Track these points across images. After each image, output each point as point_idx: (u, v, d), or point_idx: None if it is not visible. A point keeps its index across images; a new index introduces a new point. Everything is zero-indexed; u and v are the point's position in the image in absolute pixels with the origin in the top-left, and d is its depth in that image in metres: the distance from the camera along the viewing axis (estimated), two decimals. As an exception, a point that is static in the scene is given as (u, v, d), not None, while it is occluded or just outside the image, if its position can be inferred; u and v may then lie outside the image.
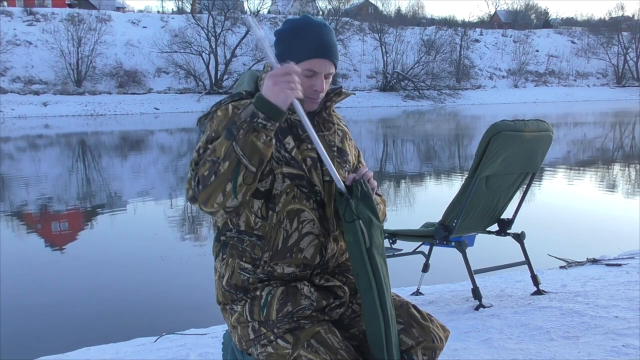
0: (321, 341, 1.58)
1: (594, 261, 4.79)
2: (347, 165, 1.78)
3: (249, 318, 1.65)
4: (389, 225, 3.27)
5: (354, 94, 1.80)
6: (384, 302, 1.60)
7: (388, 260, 1.75)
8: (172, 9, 56.71)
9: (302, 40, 1.64)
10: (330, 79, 1.71)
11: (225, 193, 1.48)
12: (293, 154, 1.65)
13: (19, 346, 3.98)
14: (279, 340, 1.60)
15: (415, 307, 1.76)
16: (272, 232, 1.65)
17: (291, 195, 1.64)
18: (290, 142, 1.65)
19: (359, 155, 1.88)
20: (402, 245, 4.02)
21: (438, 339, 1.71)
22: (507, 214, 3.84)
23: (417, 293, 4.13)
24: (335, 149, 1.75)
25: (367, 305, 1.59)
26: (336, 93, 1.78)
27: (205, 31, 45.20)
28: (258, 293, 1.66)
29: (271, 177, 1.62)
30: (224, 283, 1.70)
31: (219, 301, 1.74)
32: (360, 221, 1.61)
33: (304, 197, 1.66)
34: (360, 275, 1.61)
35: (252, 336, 1.64)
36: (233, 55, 45.72)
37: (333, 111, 1.82)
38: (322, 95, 1.70)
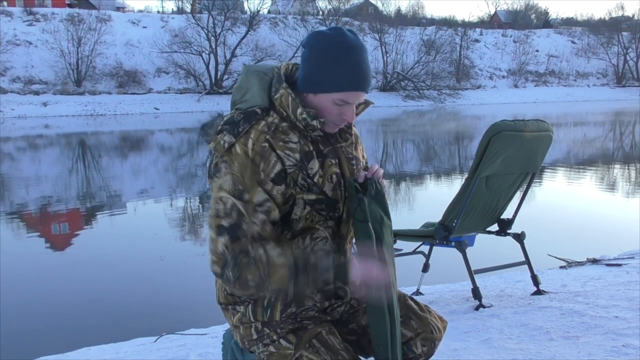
0: (323, 342, 1.58)
1: (594, 261, 4.78)
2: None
3: (252, 319, 1.65)
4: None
5: (373, 103, 1.72)
6: (391, 301, 1.60)
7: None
8: (172, 9, 56.78)
9: (339, 67, 1.53)
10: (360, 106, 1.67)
11: (257, 297, 1.61)
12: (315, 179, 1.58)
13: (19, 346, 3.98)
14: (281, 341, 1.60)
15: (412, 298, 1.77)
16: None
17: (309, 220, 1.62)
18: (314, 166, 1.58)
19: (363, 151, 1.86)
20: (402, 245, 4.02)
21: (437, 329, 1.72)
22: (507, 214, 3.84)
23: (417, 293, 4.13)
24: (354, 161, 1.71)
25: (373, 304, 1.59)
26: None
27: (205, 31, 45.19)
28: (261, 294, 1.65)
29: (291, 201, 1.58)
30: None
31: (220, 301, 1.74)
32: (371, 221, 1.60)
33: (322, 219, 1.63)
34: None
35: (254, 336, 1.64)
36: (233, 55, 45.71)
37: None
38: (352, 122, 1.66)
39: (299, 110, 1.55)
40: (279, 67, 1.66)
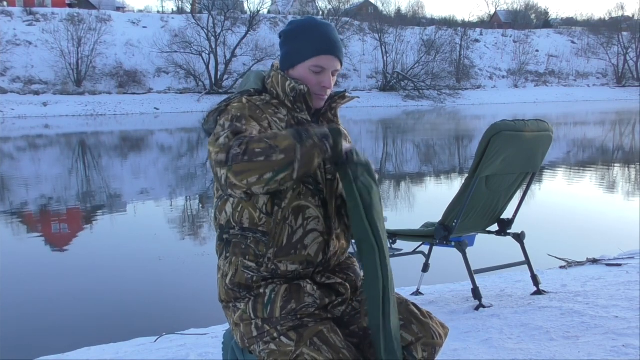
0: (324, 340, 1.58)
1: (594, 261, 4.79)
2: None
3: (252, 315, 1.65)
4: (389, 225, 3.27)
5: (358, 97, 1.84)
6: (385, 265, 1.60)
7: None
8: (172, 9, 56.73)
9: (309, 38, 1.71)
10: (336, 77, 1.76)
11: (261, 178, 1.44)
12: None
13: (19, 346, 3.98)
14: (282, 338, 1.60)
15: (415, 304, 1.77)
16: (277, 229, 1.65)
17: (297, 191, 1.65)
18: None
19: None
20: (402, 245, 4.02)
21: (438, 335, 1.72)
22: (507, 214, 3.84)
23: (417, 293, 4.13)
24: None
25: (368, 268, 1.59)
26: (340, 96, 1.80)
27: (205, 31, 45.18)
28: (262, 291, 1.66)
29: None
30: (227, 281, 1.70)
31: (222, 299, 1.74)
32: (360, 182, 1.59)
33: (310, 194, 1.67)
34: (363, 239, 1.60)
35: (255, 333, 1.64)
36: (233, 55, 45.71)
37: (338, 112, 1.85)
38: (329, 92, 1.76)
39: (288, 82, 1.69)
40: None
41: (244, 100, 1.66)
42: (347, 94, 1.81)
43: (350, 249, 2.96)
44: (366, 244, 1.60)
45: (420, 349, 1.67)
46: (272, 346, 1.60)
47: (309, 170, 1.49)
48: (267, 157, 1.42)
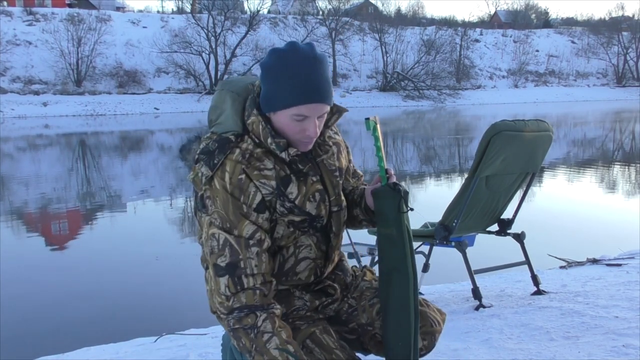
0: (316, 341, 1.58)
1: (594, 261, 4.78)
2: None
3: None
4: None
5: (347, 110, 1.69)
6: (417, 299, 1.62)
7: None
8: (172, 9, 56.75)
9: (290, 81, 1.49)
10: (325, 117, 1.60)
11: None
12: (297, 202, 1.58)
13: (19, 346, 3.98)
14: None
15: None
16: None
17: (292, 237, 1.63)
18: (293, 190, 1.57)
19: (348, 154, 1.84)
20: (402, 245, 4.01)
21: (436, 322, 1.72)
22: (507, 214, 3.84)
23: (417, 293, 4.13)
24: (337, 173, 1.70)
25: (400, 300, 1.60)
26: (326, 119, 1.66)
27: (205, 31, 45.18)
28: None
29: (274, 223, 1.59)
30: None
31: (213, 311, 1.74)
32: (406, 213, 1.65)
33: (305, 234, 1.65)
34: (399, 269, 1.61)
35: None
36: (233, 55, 45.72)
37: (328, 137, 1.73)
38: (316, 137, 1.59)
39: (269, 140, 1.54)
40: (254, 84, 1.63)
41: (227, 178, 1.51)
42: (336, 108, 1.65)
43: (349, 249, 2.94)
44: (398, 273, 1.62)
45: (420, 338, 1.68)
46: None
47: None
48: (242, 351, 1.52)
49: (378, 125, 1.70)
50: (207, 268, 1.62)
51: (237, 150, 1.54)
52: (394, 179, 1.69)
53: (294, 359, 1.44)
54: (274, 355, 1.44)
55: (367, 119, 1.67)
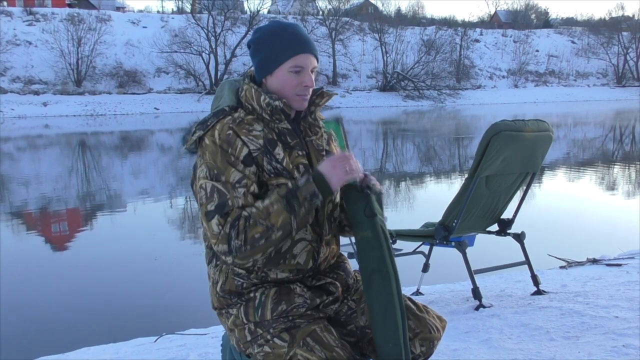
0: (317, 339, 1.58)
1: (594, 261, 4.78)
2: None
3: (244, 320, 1.66)
4: (389, 225, 3.27)
5: (336, 94, 1.83)
6: (401, 298, 1.62)
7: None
8: (172, 9, 56.79)
9: (282, 40, 1.67)
10: (315, 73, 1.72)
11: (265, 253, 1.58)
12: (284, 164, 1.65)
13: (19, 346, 3.98)
14: (275, 340, 1.60)
15: (410, 299, 1.77)
16: None
17: None
18: (280, 152, 1.65)
19: (336, 148, 1.88)
20: (402, 245, 4.02)
21: (435, 329, 1.72)
22: (507, 214, 3.84)
23: (417, 293, 4.13)
24: (324, 152, 1.75)
25: (383, 301, 1.60)
26: (318, 95, 1.76)
27: (205, 31, 45.18)
28: (252, 295, 1.67)
29: (264, 188, 1.63)
30: (218, 289, 1.71)
31: (214, 306, 1.76)
32: (381, 215, 1.65)
33: None
34: (379, 270, 1.61)
35: (249, 338, 1.65)
36: (233, 55, 45.71)
37: (318, 115, 1.82)
38: (311, 90, 1.72)
39: (262, 97, 1.66)
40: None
41: (216, 134, 1.62)
42: (325, 91, 1.77)
43: (350, 249, 2.95)
44: (379, 274, 1.61)
45: (418, 344, 1.68)
46: (267, 348, 1.60)
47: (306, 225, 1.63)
48: (267, 239, 1.55)
49: (341, 127, 1.75)
50: (209, 247, 1.70)
51: (229, 117, 1.66)
52: (371, 181, 1.69)
53: (292, 185, 1.56)
54: (282, 206, 1.54)
55: (330, 121, 1.75)
